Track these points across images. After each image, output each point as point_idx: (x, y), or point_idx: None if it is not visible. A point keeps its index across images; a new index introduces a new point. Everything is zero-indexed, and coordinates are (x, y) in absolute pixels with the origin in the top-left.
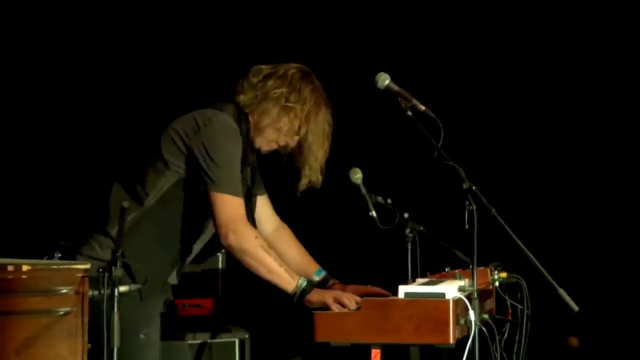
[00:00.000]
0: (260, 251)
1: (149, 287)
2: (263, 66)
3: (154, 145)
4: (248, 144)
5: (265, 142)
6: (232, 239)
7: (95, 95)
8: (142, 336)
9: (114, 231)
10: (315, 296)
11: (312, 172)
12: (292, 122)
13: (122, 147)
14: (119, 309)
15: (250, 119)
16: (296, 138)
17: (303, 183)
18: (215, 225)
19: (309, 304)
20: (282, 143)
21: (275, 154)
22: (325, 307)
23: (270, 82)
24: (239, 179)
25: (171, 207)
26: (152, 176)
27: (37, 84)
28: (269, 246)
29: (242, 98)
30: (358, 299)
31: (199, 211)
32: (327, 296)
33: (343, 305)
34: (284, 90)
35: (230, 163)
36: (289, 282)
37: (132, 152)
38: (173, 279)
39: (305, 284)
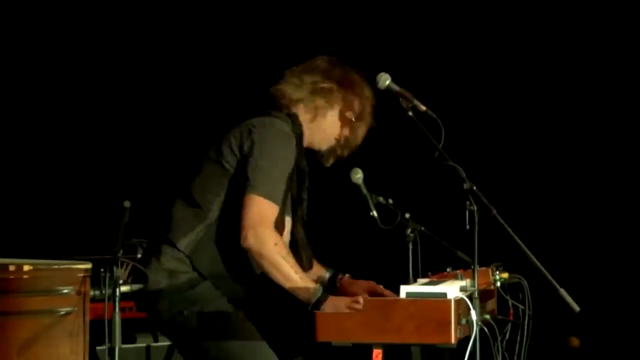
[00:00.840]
0: (279, 258)
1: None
2: (294, 67)
3: (213, 152)
4: (302, 149)
5: (324, 141)
6: (252, 242)
7: (102, 97)
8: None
9: (180, 243)
10: (329, 308)
11: (345, 149)
12: (348, 110)
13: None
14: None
15: (302, 121)
16: (350, 125)
17: (330, 160)
18: (241, 225)
19: (321, 311)
20: (339, 137)
21: None
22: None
23: (306, 78)
24: (282, 184)
25: (235, 214)
26: (214, 184)
27: (41, 83)
28: (288, 253)
29: (286, 101)
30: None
31: None
32: (340, 307)
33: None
34: (322, 82)
35: (275, 167)
36: (305, 291)
37: (188, 162)
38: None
39: (320, 293)
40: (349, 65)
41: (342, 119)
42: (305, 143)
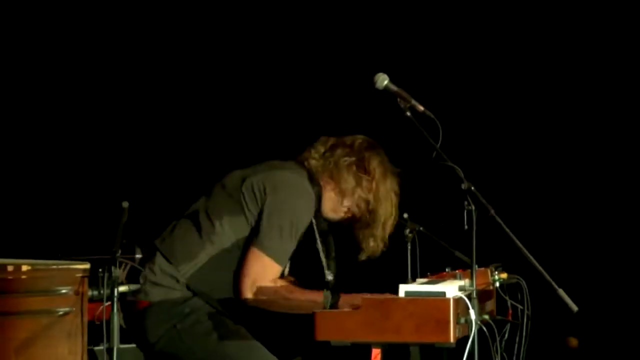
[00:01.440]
0: (281, 301)
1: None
2: (328, 137)
3: (231, 187)
4: (320, 211)
5: (334, 211)
6: (249, 296)
7: (101, 98)
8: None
9: (180, 267)
10: (345, 304)
11: (376, 242)
12: (365, 191)
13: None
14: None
15: (322, 184)
16: (364, 209)
17: (365, 253)
18: (240, 279)
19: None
20: (349, 214)
21: None
22: None
23: (338, 151)
24: (291, 248)
25: (236, 258)
26: (228, 219)
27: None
28: (287, 287)
29: (314, 164)
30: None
31: None
32: (354, 302)
33: None
34: (353, 159)
35: (289, 231)
36: (317, 306)
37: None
38: None
39: (330, 298)
40: (384, 152)
41: (361, 198)
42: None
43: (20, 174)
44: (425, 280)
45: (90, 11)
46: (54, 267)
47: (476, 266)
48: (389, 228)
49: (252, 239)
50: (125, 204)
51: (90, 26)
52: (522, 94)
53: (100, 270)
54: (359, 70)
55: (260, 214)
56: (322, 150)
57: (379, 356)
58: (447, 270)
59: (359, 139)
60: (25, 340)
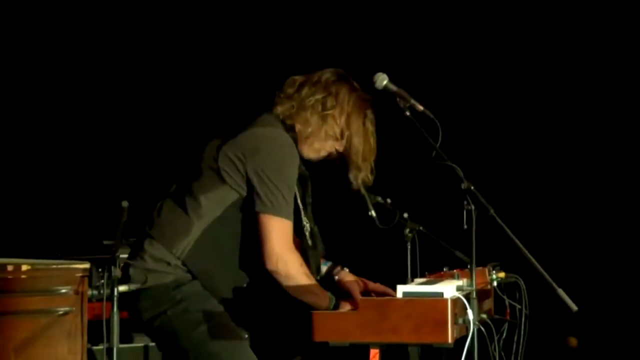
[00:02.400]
0: (304, 278)
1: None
2: (297, 77)
3: (210, 158)
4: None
5: (312, 151)
6: (281, 268)
7: (101, 98)
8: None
9: (176, 249)
10: (344, 306)
11: (362, 173)
12: (332, 128)
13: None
14: (119, 308)
15: (297, 130)
16: (342, 142)
17: (355, 185)
18: (264, 248)
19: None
20: (328, 150)
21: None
22: None
23: (305, 90)
24: (292, 200)
25: (229, 227)
26: (212, 191)
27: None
28: (310, 274)
29: (282, 110)
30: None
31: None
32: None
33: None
34: (319, 96)
35: (288, 186)
36: (324, 300)
37: (179, 165)
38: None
39: (334, 301)
40: (355, 81)
41: (331, 134)
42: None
43: (20, 173)
44: (423, 280)
45: (90, 11)
46: (54, 266)
47: (475, 266)
48: (371, 156)
49: (252, 208)
50: (125, 204)
51: (90, 26)
52: (521, 94)
53: (100, 270)
54: (359, 70)
55: (248, 181)
56: (289, 92)
57: (377, 356)
58: (445, 269)
59: (326, 73)
60: (25, 340)
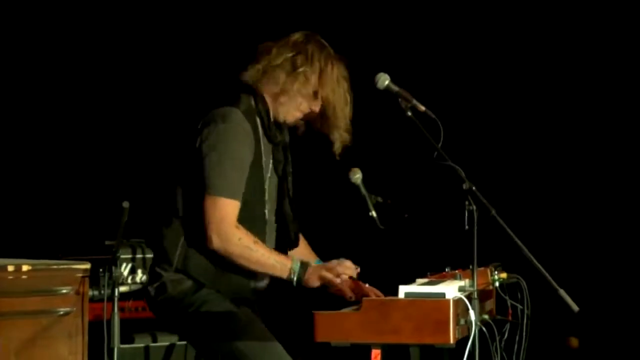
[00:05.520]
0: (245, 250)
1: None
2: (268, 42)
3: (180, 157)
4: (273, 123)
5: (288, 113)
6: (217, 243)
7: (101, 98)
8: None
9: (173, 260)
10: (312, 277)
11: (342, 133)
12: (305, 86)
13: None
14: (119, 308)
15: (265, 95)
16: (317, 102)
17: (337, 147)
18: (204, 229)
19: (309, 285)
20: (304, 110)
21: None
22: (329, 284)
23: (274, 51)
24: (237, 176)
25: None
26: (185, 187)
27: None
28: (255, 242)
29: (251, 75)
30: (349, 263)
31: None
32: (323, 272)
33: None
34: (288, 55)
35: (231, 164)
36: (283, 270)
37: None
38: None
39: (298, 267)
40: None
41: (304, 93)
42: (272, 117)
43: (20, 174)
44: (425, 280)
45: (90, 11)
46: (54, 267)
47: (476, 266)
48: (347, 113)
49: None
50: (126, 204)
51: (90, 26)
52: (522, 94)
53: (100, 270)
54: (360, 70)
55: (197, 162)
56: (259, 57)
57: (379, 357)
58: (446, 270)
59: (295, 35)
60: (26, 341)
